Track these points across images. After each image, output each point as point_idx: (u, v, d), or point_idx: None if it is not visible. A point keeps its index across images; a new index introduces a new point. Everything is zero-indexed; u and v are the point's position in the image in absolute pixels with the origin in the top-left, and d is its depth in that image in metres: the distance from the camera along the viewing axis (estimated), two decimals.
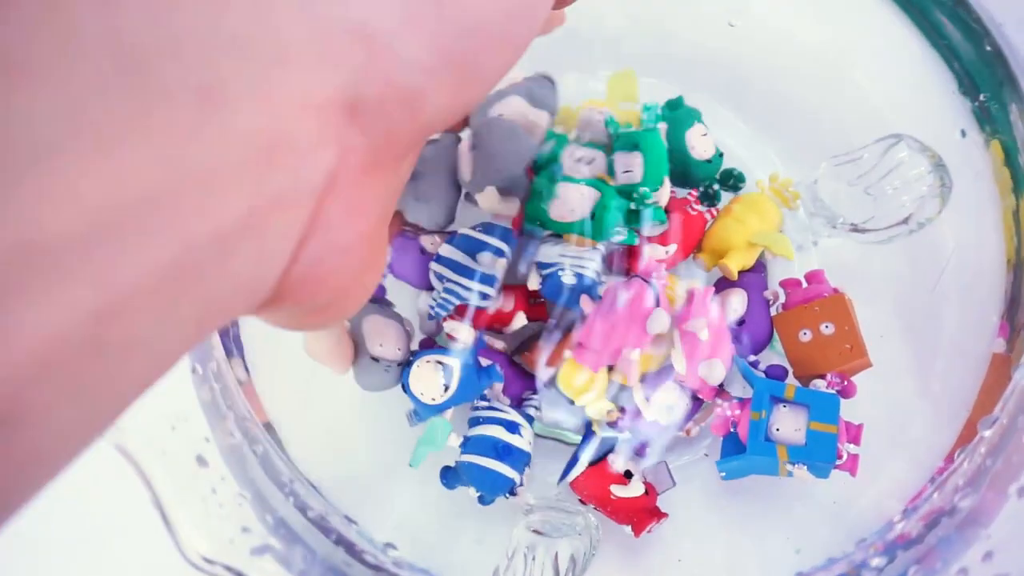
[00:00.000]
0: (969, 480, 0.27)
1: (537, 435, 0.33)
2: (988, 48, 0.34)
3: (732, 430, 0.30)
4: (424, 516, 0.34)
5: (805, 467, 0.28)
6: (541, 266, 0.31)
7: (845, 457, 0.28)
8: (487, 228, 0.31)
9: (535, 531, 0.35)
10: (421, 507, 0.33)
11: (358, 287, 0.18)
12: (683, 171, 0.33)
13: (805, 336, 0.30)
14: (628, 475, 0.31)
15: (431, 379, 0.30)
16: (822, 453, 0.27)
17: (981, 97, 0.35)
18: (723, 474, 0.30)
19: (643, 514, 0.31)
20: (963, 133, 0.36)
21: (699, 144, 0.33)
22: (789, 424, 0.28)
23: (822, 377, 0.30)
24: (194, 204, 0.12)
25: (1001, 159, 0.35)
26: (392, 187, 0.18)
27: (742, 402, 0.30)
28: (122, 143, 0.11)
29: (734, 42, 0.38)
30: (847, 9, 0.39)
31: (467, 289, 0.31)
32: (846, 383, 0.30)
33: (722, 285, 0.33)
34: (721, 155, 0.34)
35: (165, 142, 0.12)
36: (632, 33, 0.39)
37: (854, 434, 0.28)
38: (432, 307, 0.32)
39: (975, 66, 0.35)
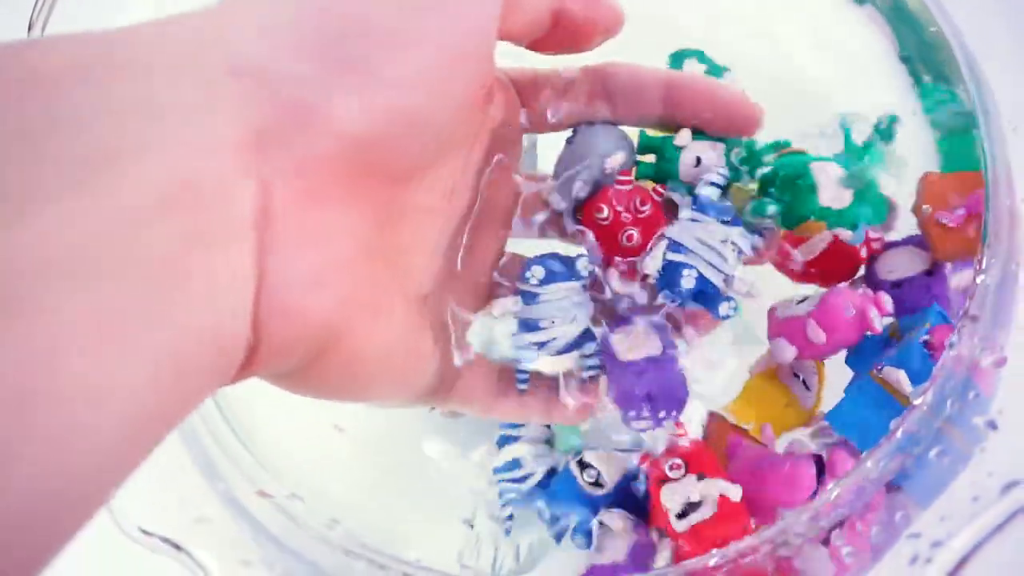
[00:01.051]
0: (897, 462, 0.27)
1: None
2: (932, 30, 0.35)
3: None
4: (370, 495, 0.34)
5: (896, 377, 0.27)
6: (672, 246, 0.26)
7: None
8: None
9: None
10: (367, 486, 0.33)
11: (366, 334, 0.18)
12: None
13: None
14: None
15: None
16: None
17: (925, 79, 0.35)
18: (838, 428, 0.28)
19: None
20: (913, 112, 0.36)
21: None
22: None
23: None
24: (114, 251, 0.13)
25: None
26: (372, 215, 0.18)
27: None
28: (36, 205, 0.12)
29: (684, 28, 0.38)
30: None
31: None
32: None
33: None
34: None
35: (65, 203, 0.13)
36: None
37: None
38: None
39: (920, 48, 0.36)
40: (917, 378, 0.27)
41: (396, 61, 0.16)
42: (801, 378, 0.31)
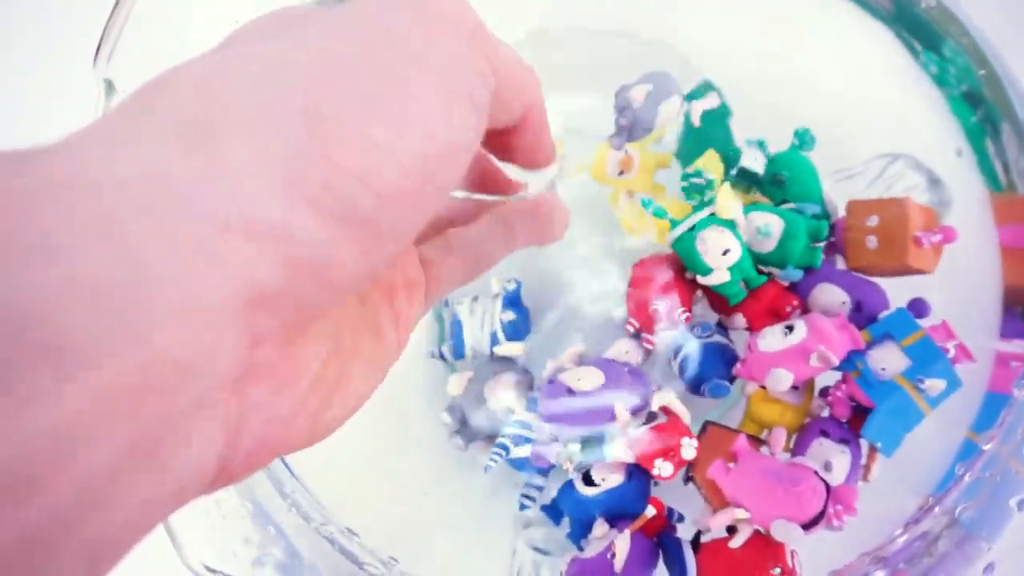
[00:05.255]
0: (970, 493, 0.27)
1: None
2: (982, 72, 0.35)
3: (854, 404, 0.30)
4: (424, 528, 0.34)
5: (935, 387, 0.28)
6: None
7: (952, 351, 0.29)
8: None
9: (536, 549, 0.35)
10: (422, 518, 0.33)
11: (316, 426, 0.18)
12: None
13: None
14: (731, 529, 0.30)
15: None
16: (929, 358, 0.28)
17: (974, 118, 0.36)
18: (879, 444, 0.29)
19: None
20: (959, 152, 0.36)
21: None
22: (888, 359, 0.29)
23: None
24: (49, 466, 0.12)
25: None
26: (317, 345, 0.18)
27: (840, 381, 0.31)
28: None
29: (736, 62, 0.39)
30: (847, 33, 0.39)
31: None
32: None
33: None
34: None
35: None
36: (628, 45, 0.40)
37: (943, 334, 0.29)
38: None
39: (970, 88, 0.36)
40: (950, 380, 0.28)
41: (395, 220, 0.16)
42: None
